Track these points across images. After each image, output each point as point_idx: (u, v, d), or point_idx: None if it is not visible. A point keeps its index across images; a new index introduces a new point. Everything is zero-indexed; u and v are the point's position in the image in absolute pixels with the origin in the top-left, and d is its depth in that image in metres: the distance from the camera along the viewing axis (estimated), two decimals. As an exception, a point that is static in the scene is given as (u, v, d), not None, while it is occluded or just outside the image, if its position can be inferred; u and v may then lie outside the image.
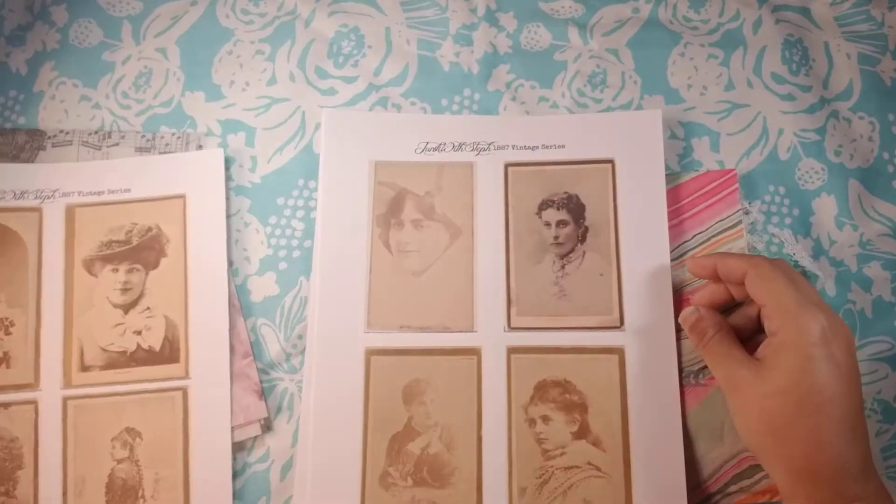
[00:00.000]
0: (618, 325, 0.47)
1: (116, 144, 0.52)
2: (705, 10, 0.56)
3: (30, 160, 0.52)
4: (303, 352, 0.49)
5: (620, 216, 0.49)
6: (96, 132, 0.53)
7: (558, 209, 0.49)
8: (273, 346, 0.49)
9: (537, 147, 0.50)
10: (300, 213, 0.51)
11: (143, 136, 0.52)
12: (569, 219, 0.49)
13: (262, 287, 0.50)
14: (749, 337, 0.43)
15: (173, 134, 0.53)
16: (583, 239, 0.49)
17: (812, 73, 0.54)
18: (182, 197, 0.50)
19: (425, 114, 0.53)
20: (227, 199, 0.51)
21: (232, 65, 0.55)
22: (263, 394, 0.48)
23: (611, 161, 0.50)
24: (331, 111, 0.51)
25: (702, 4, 0.56)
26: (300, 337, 0.49)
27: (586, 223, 0.49)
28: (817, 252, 0.51)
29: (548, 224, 0.49)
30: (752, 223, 0.51)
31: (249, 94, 0.54)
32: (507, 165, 0.50)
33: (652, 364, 0.46)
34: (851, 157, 0.53)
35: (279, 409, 0.48)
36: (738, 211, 0.50)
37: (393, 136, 0.51)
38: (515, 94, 0.54)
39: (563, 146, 0.50)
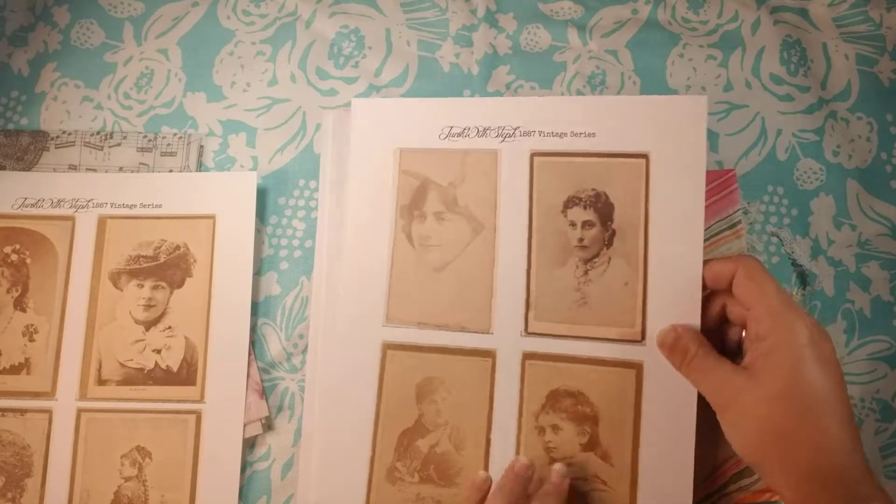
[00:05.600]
0: (639, 338, 0.44)
1: (118, 145, 0.52)
2: (704, 11, 0.56)
3: (34, 162, 0.52)
4: (303, 351, 0.49)
5: (652, 221, 0.45)
6: (98, 133, 0.53)
7: (585, 208, 0.46)
8: (274, 346, 0.49)
9: (566, 134, 0.47)
10: (301, 214, 0.52)
11: (145, 137, 0.53)
12: (595, 220, 0.46)
13: (263, 287, 0.50)
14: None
15: (175, 134, 0.53)
16: (609, 243, 0.45)
17: (810, 74, 0.55)
18: (212, 217, 0.50)
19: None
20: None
21: (233, 66, 0.55)
22: (264, 393, 0.48)
23: (645, 156, 0.45)
24: (360, 101, 0.49)
25: (700, 5, 0.57)
26: (301, 336, 0.49)
27: (614, 226, 0.46)
28: (816, 252, 0.51)
29: (573, 224, 0.46)
30: (751, 223, 0.51)
31: (250, 95, 0.54)
32: (532, 154, 0.47)
33: (671, 382, 0.43)
34: (850, 158, 0.53)
35: (280, 409, 0.48)
36: (737, 211, 0.50)
37: (416, 122, 0.48)
38: (515, 95, 0.54)
39: (594, 134, 0.46)
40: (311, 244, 0.51)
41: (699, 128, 0.44)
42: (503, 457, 0.45)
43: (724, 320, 0.43)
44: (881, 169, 0.53)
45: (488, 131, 0.47)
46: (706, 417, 0.43)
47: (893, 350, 0.49)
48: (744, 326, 0.41)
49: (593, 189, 0.46)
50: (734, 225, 0.50)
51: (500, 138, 0.47)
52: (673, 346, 0.42)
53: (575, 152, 0.46)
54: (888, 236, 0.52)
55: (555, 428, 0.45)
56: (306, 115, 0.54)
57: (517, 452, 0.45)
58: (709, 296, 0.43)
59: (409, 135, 0.48)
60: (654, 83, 0.54)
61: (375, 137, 0.48)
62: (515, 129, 0.47)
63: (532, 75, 0.55)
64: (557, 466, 0.43)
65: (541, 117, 0.47)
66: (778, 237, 0.51)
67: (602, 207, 0.46)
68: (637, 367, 0.45)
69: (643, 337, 0.44)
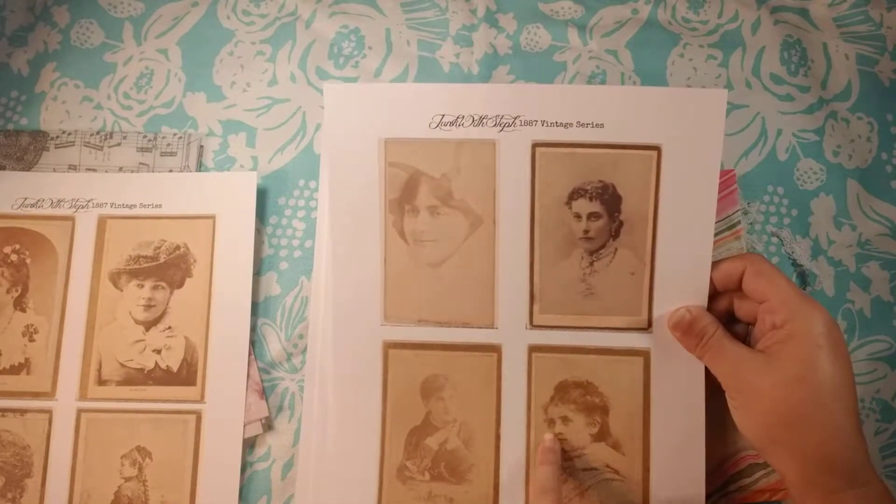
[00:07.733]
0: (645, 326, 0.45)
1: (118, 145, 0.52)
2: (704, 11, 0.56)
3: (34, 162, 0.52)
4: (303, 351, 0.49)
5: (661, 212, 0.44)
6: (98, 133, 0.53)
7: (591, 200, 0.45)
8: (274, 346, 0.49)
9: (571, 125, 0.44)
10: (301, 214, 0.52)
11: (145, 137, 0.53)
12: (602, 211, 0.45)
13: (263, 287, 0.50)
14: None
15: (175, 134, 0.53)
16: (616, 234, 0.45)
17: (811, 74, 0.55)
18: (212, 217, 0.50)
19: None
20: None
21: (233, 65, 0.55)
22: (264, 393, 0.48)
23: (657, 148, 0.44)
24: (334, 86, 0.46)
25: (701, 5, 0.56)
26: (301, 336, 0.49)
27: (621, 217, 0.45)
28: (816, 252, 0.51)
29: (578, 216, 0.45)
30: (751, 223, 0.51)
31: (250, 95, 0.54)
32: (534, 145, 0.45)
33: (678, 368, 0.44)
34: (850, 158, 0.53)
35: (280, 409, 0.48)
36: (737, 211, 0.50)
37: (402, 110, 0.45)
38: (515, 95, 0.54)
39: (602, 125, 0.44)
40: (311, 244, 0.51)
41: (718, 122, 0.44)
42: (513, 451, 0.45)
43: (727, 319, 0.43)
44: (881, 169, 0.53)
45: (485, 120, 0.45)
46: (707, 415, 0.44)
47: (893, 350, 0.49)
48: (751, 322, 0.42)
49: (600, 181, 0.45)
50: (733, 226, 0.50)
51: (499, 128, 0.45)
52: (689, 328, 0.42)
53: (581, 143, 0.45)
54: (888, 236, 0.52)
55: (564, 419, 0.45)
56: (306, 115, 0.54)
57: (527, 446, 0.45)
58: (714, 295, 0.43)
59: (394, 123, 0.45)
60: (654, 83, 0.54)
61: (355, 127, 0.46)
62: (515, 118, 0.45)
63: (532, 75, 0.55)
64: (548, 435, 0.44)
65: (544, 106, 0.45)
66: (778, 237, 0.51)
67: (609, 199, 0.45)
68: (644, 355, 0.45)
69: (650, 324, 0.45)
